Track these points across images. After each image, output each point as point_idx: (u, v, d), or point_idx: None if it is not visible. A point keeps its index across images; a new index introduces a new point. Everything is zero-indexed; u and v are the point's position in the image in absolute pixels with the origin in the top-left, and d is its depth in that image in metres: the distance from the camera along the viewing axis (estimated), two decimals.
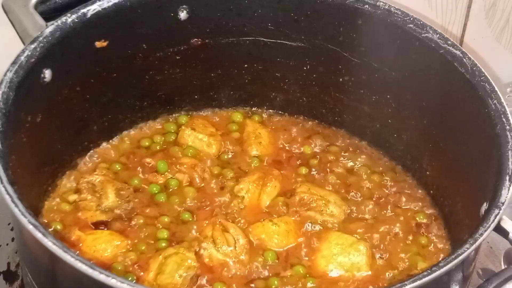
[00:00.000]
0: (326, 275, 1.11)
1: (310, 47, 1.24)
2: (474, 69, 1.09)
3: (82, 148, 1.23)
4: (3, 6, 1.13)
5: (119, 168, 1.22)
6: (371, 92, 1.26)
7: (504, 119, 1.04)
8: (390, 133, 1.28)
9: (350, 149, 1.30)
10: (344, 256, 1.12)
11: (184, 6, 1.18)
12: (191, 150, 1.25)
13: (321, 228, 1.17)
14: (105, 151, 1.25)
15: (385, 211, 1.21)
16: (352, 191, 1.23)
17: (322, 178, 1.25)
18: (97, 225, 1.14)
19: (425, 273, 0.87)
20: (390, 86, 1.23)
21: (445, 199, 1.21)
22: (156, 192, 1.20)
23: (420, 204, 1.23)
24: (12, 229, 1.24)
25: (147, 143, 1.27)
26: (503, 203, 0.95)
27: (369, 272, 1.12)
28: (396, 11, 1.16)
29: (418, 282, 0.86)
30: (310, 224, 1.17)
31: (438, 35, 1.13)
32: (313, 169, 1.26)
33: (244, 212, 1.18)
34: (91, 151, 1.24)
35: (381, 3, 1.16)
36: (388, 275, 1.13)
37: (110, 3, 1.11)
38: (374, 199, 1.23)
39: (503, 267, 1.26)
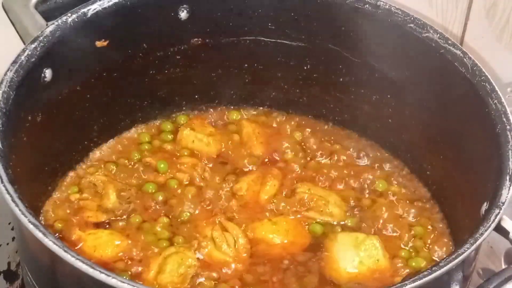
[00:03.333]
0: (344, 273, 1.10)
1: (310, 46, 1.24)
2: (474, 69, 1.09)
3: (82, 147, 1.23)
4: (3, 5, 1.13)
5: (119, 168, 1.22)
6: (371, 92, 1.26)
7: (504, 119, 1.04)
8: (390, 133, 1.28)
9: (350, 148, 1.30)
10: (361, 252, 1.10)
11: (184, 5, 1.18)
12: (190, 150, 1.25)
13: (323, 228, 1.17)
14: (105, 151, 1.25)
15: (385, 211, 1.21)
16: (352, 191, 1.23)
17: (322, 177, 1.24)
18: (97, 225, 1.14)
19: (425, 272, 0.87)
20: (390, 86, 1.22)
21: (446, 199, 1.21)
22: (156, 191, 1.20)
23: (420, 203, 1.23)
24: (12, 229, 1.24)
25: (147, 143, 1.27)
26: (503, 203, 0.95)
27: (388, 264, 1.11)
28: (396, 11, 1.16)
29: (419, 282, 0.86)
30: (312, 225, 1.17)
31: (438, 35, 1.13)
32: (313, 168, 1.26)
33: (243, 211, 1.18)
34: (92, 150, 1.24)
35: (382, 3, 1.16)
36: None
37: (111, 3, 1.11)
38: (374, 198, 1.23)
39: (503, 266, 1.26)
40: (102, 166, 1.22)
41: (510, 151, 1.00)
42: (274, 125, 1.33)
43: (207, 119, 1.32)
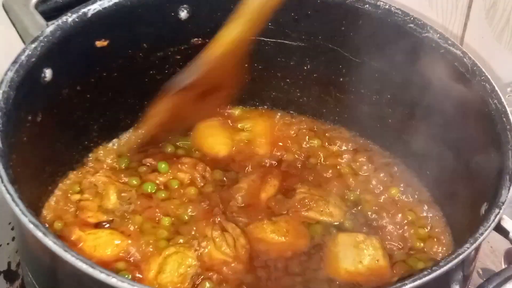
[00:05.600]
0: (344, 273, 1.10)
1: (310, 46, 1.24)
2: (474, 69, 1.10)
3: (82, 147, 1.23)
4: (3, 5, 1.13)
5: (120, 168, 1.22)
6: (371, 92, 1.26)
7: (504, 119, 1.04)
8: (390, 133, 1.28)
9: (351, 148, 1.30)
10: (361, 252, 1.11)
11: (184, 5, 1.18)
12: (189, 150, 1.26)
13: (323, 228, 1.17)
14: (105, 151, 1.25)
15: (385, 211, 1.21)
16: (352, 190, 1.23)
17: (322, 177, 1.24)
18: (98, 224, 1.14)
19: (425, 272, 0.88)
20: (390, 86, 1.23)
21: (446, 199, 1.21)
22: (155, 191, 1.20)
23: (421, 203, 1.23)
24: (12, 229, 1.25)
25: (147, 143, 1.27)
26: (503, 203, 0.95)
27: (387, 264, 1.11)
28: (396, 11, 1.16)
29: (419, 282, 0.86)
30: (312, 225, 1.17)
31: (438, 35, 1.13)
32: (314, 168, 1.26)
33: (243, 211, 1.18)
34: (92, 150, 1.24)
35: (382, 3, 1.16)
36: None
37: (111, 3, 1.11)
38: (374, 198, 1.23)
39: (503, 266, 1.26)
40: (102, 166, 1.22)
41: (510, 151, 1.01)
42: (274, 125, 1.33)
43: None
